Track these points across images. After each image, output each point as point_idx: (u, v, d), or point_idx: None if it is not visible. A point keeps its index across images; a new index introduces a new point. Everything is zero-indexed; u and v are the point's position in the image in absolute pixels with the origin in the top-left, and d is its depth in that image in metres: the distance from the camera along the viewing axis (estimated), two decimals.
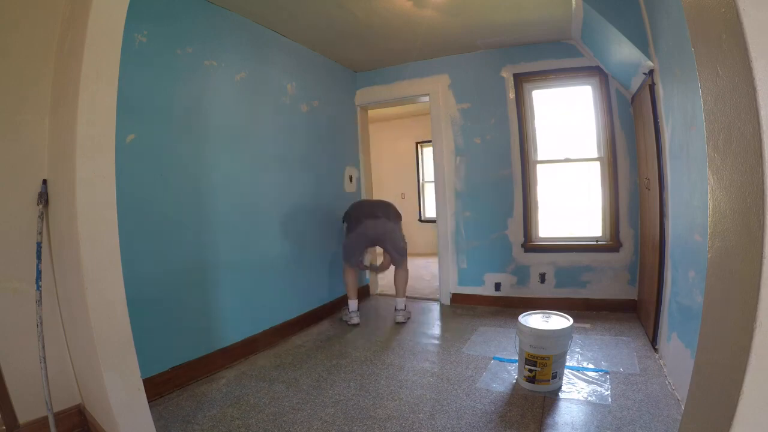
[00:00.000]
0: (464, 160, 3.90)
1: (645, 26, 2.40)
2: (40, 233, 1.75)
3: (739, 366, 0.68)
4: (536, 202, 3.74)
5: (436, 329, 3.32)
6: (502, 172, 3.74)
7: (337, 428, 1.91)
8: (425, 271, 5.72)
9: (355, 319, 3.43)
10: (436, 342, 3.01)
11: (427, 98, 4.04)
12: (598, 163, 3.54)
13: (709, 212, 0.84)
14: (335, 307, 3.81)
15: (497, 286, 3.81)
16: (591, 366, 2.43)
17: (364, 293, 4.36)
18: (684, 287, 1.99)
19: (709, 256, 0.85)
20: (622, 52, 2.68)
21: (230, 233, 2.73)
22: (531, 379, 2.18)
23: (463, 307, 3.86)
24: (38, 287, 1.72)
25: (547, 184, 3.77)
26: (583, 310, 3.45)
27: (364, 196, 4.41)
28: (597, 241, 3.53)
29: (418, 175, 7.45)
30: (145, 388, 1.65)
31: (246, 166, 2.89)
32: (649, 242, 2.76)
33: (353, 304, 3.46)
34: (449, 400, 2.13)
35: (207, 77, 2.60)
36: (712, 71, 0.79)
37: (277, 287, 3.14)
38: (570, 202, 3.84)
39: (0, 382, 1.69)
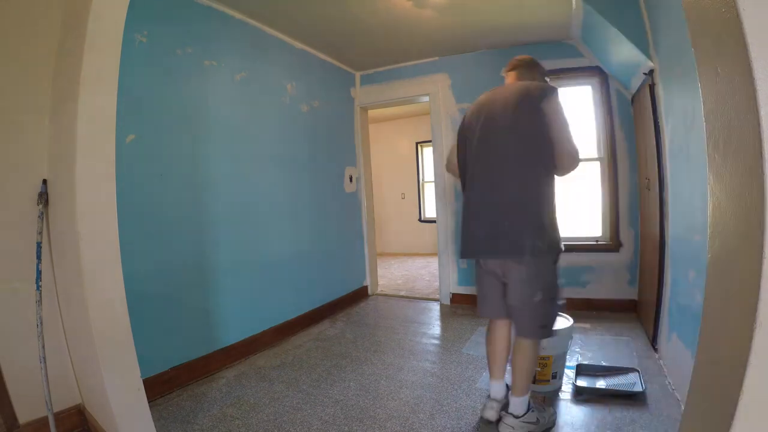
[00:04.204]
0: None
1: (645, 26, 2.40)
2: (40, 233, 1.75)
3: (739, 366, 0.68)
4: None
5: (436, 329, 3.32)
6: None
7: (337, 428, 1.91)
8: (425, 271, 5.72)
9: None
10: (436, 342, 3.01)
11: (427, 98, 4.04)
12: (598, 163, 3.54)
13: (709, 212, 0.84)
14: (335, 306, 3.81)
15: None
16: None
17: (362, 294, 4.36)
18: (684, 287, 1.99)
19: (709, 256, 0.85)
20: (622, 52, 2.68)
21: (230, 233, 2.73)
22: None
23: (463, 307, 3.85)
24: (38, 287, 1.72)
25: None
26: (583, 310, 3.45)
27: (364, 196, 4.41)
28: (597, 241, 3.53)
29: (418, 175, 7.45)
30: (145, 388, 1.65)
31: (246, 166, 2.89)
32: (649, 242, 2.75)
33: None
34: (449, 400, 2.13)
35: (207, 77, 2.60)
36: (712, 71, 0.79)
37: (277, 287, 3.14)
38: (570, 202, 3.84)
39: (0, 382, 1.69)
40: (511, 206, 1.69)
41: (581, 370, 2.27)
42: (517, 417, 1.78)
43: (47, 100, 1.80)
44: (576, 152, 1.67)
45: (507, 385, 1.96)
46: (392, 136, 7.48)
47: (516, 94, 1.72)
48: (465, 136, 1.89)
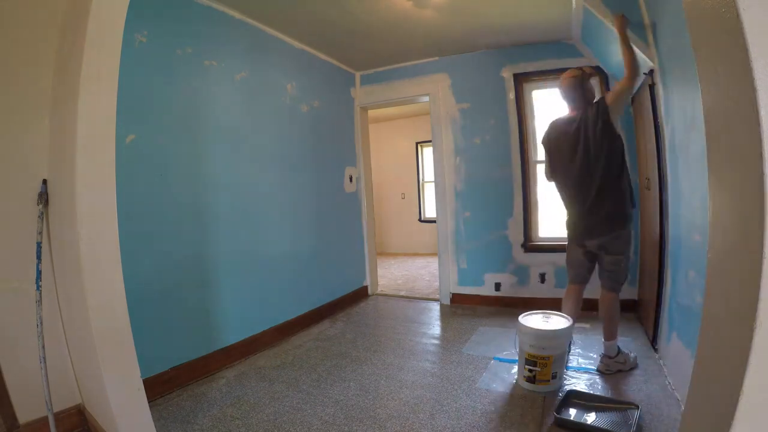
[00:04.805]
0: (464, 160, 3.90)
1: (645, 26, 2.40)
2: (40, 233, 1.75)
3: (739, 366, 0.68)
4: (536, 202, 3.74)
5: (436, 329, 3.32)
6: (501, 172, 3.74)
7: (337, 428, 1.91)
8: (425, 271, 5.72)
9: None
10: (436, 342, 3.01)
11: (427, 98, 4.04)
12: None
13: (709, 212, 0.84)
14: (335, 306, 3.81)
15: (497, 286, 3.81)
16: (591, 366, 2.43)
17: (362, 293, 4.36)
18: (684, 287, 1.99)
19: (709, 256, 0.85)
20: None
21: (230, 233, 2.73)
22: (531, 379, 2.17)
23: (463, 307, 3.86)
24: (38, 287, 1.72)
25: (547, 184, 3.76)
26: (583, 310, 3.44)
27: (364, 196, 4.41)
28: None
29: (418, 175, 7.45)
30: (145, 388, 1.65)
31: (246, 166, 2.89)
32: (649, 242, 2.75)
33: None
34: (449, 400, 2.13)
35: (207, 77, 2.60)
36: (712, 71, 0.79)
37: (278, 287, 3.14)
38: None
39: (0, 382, 1.69)
40: None
41: (572, 398, 2.02)
42: (611, 357, 2.34)
43: (47, 100, 1.80)
44: None
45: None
46: (392, 136, 7.48)
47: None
48: None
